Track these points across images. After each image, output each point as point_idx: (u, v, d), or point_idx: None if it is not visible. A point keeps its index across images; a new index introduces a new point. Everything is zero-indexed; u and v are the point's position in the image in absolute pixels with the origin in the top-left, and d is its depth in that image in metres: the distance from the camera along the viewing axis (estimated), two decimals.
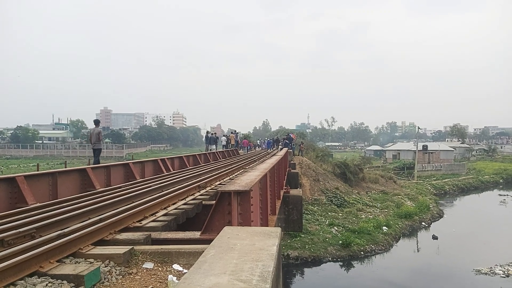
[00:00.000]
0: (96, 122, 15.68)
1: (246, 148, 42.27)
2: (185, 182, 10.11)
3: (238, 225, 4.64)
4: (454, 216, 36.28)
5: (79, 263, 3.90)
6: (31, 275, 3.50)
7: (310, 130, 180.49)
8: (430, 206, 36.23)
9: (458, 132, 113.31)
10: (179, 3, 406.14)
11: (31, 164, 57.23)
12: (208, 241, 3.55)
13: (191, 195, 8.43)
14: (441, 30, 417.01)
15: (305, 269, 21.19)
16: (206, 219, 4.93)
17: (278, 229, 3.69)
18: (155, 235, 5.03)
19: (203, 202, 7.62)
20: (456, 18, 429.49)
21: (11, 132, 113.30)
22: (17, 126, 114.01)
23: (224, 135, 39.36)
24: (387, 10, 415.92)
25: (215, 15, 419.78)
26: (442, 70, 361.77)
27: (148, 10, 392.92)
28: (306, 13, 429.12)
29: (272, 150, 38.27)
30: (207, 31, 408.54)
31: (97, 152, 14.72)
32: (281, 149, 34.45)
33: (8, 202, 7.25)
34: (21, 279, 3.38)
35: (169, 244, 4.58)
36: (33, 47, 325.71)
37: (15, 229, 4.63)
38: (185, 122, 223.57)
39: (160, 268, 3.95)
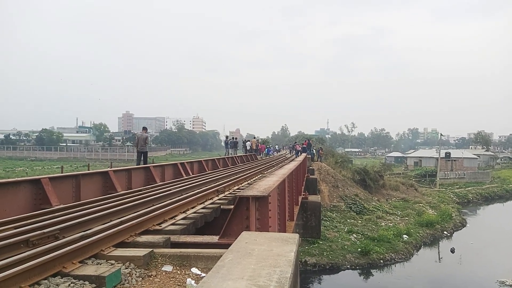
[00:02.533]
0: (144, 128, 17.37)
1: (263, 153, 42.38)
2: (204, 186, 10.20)
3: (256, 230, 4.65)
4: (477, 225, 35.33)
5: (100, 264, 3.99)
6: (54, 275, 3.59)
7: (329, 136, 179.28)
8: (453, 215, 35.34)
9: (482, 140, 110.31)
10: (197, 11, 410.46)
11: (55, 166, 58.75)
12: (226, 246, 3.58)
13: (210, 199, 8.50)
14: (465, 36, 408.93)
15: (323, 276, 20.97)
16: (224, 223, 4.97)
17: (296, 235, 3.69)
18: (174, 238, 5.10)
19: (222, 207, 7.67)
20: (480, 23, 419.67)
21: (37, 134, 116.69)
22: (42, 129, 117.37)
23: (247, 141, 39.67)
24: (408, 16, 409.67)
25: (234, 22, 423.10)
26: (466, 76, 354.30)
27: (166, 19, 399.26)
28: (326, 19, 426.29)
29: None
30: (227, 38, 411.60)
31: (144, 154, 16.11)
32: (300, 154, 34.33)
33: (33, 203, 7.46)
34: (45, 279, 3.47)
35: (188, 248, 4.63)
36: (57, 53, 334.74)
37: (40, 230, 4.76)
38: (205, 126, 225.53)
39: (179, 271, 4.00)
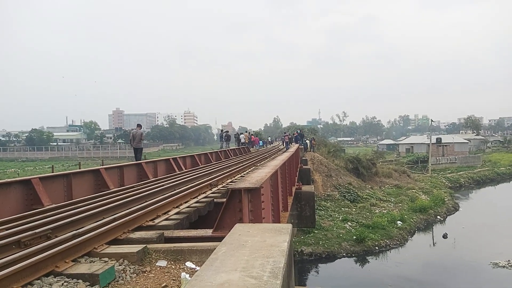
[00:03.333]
0: (139, 125, 17.82)
1: (257, 145, 42.38)
2: (197, 181, 10.18)
3: (249, 222, 4.65)
4: (470, 209, 35.78)
5: (94, 262, 3.97)
6: (47, 275, 3.57)
7: (321, 126, 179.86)
8: (445, 200, 35.75)
9: (472, 124, 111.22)
10: (185, 2, 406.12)
11: (46, 166, 58.24)
12: (220, 239, 3.58)
13: (203, 193, 8.49)
14: (452, 21, 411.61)
15: (320, 265, 21.16)
16: (218, 216, 4.96)
17: (289, 225, 3.70)
18: (168, 233, 5.09)
19: (215, 200, 7.66)
20: (467, 9, 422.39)
21: (26, 135, 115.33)
22: (32, 129, 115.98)
23: (240, 133, 39.75)
24: (396, 3, 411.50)
25: (221, 13, 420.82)
26: (455, 61, 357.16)
27: (153, 9, 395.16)
28: (314, 9, 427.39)
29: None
30: (215, 29, 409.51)
31: (139, 150, 16.58)
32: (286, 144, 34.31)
33: (24, 204, 7.39)
34: (37, 279, 3.45)
35: (181, 242, 4.63)
36: (43, 51, 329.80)
37: (31, 230, 4.71)
38: (196, 121, 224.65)
39: (173, 266, 3.99)
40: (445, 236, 25.73)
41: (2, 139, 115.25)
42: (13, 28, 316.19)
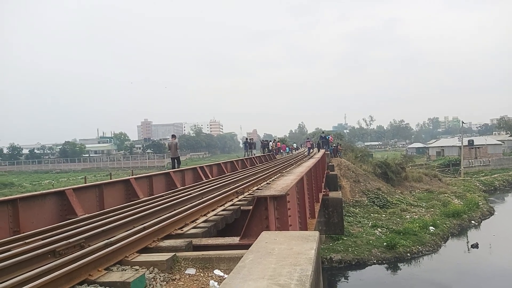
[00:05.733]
0: (173, 136, 19.46)
1: (284, 151, 42.40)
2: (223, 189, 10.25)
3: (275, 230, 4.66)
4: (506, 212, 34.35)
5: (125, 270, 4.06)
6: (81, 283, 3.67)
7: (347, 131, 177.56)
8: (480, 204, 34.51)
9: (505, 125, 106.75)
10: (206, 15, 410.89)
11: (79, 177, 60.07)
12: (247, 246, 3.60)
13: (230, 201, 8.54)
14: (478, 21, 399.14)
15: (349, 272, 20.78)
16: (244, 224, 4.99)
17: (316, 233, 3.68)
18: (196, 241, 5.15)
19: (241, 208, 7.70)
20: (492, 7, 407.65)
21: (60, 147, 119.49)
22: (65, 141, 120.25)
23: (265, 141, 40.06)
24: (418, 5, 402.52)
25: (243, 25, 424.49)
26: (484, 60, 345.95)
27: (176, 23, 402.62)
28: (335, 15, 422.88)
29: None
30: (237, 40, 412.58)
31: (177, 159, 17.55)
32: (310, 151, 33.99)
33: (59, 214, 7.65)
34: None
35: (209, 250, 4.68)
36: (79, 71, 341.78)
37: (66, 240, 4.88)
38: (222, 129, 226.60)
39: (202, 274, 4.04)
40: (475, 246, 24.46)
41: (37, 152, 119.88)
42: (44, 47, 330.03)
